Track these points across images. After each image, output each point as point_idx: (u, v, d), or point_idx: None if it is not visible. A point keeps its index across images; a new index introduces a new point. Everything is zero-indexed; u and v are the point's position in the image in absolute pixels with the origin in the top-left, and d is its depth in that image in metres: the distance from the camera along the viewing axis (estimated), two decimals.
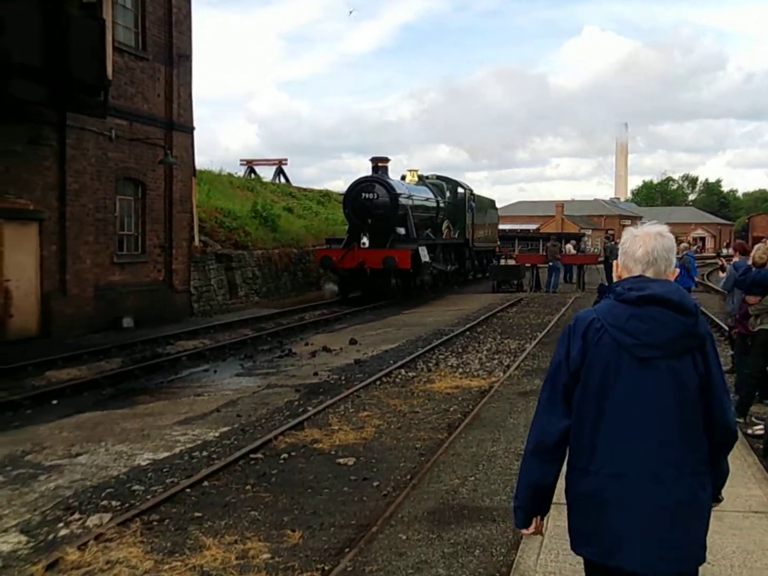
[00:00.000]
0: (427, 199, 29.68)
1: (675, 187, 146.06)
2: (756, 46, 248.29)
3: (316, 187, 46.29)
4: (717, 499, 3.03)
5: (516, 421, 9.26)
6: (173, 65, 21.31)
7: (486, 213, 37.70)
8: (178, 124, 21.56)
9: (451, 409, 10.05)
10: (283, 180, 47.73)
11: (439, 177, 33.27)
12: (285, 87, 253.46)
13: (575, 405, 2.86)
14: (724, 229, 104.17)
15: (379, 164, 26.65)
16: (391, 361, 13.82)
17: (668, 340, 2.77)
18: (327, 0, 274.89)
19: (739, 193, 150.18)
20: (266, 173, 48.31)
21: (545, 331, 17.84)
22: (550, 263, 29.89)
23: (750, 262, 9.18)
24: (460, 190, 33.28)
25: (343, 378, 12.42)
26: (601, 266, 32.61)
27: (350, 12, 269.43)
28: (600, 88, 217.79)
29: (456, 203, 32.71)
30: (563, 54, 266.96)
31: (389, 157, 27.52)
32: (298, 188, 44.26)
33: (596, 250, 65.75)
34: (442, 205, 31.07)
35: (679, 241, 31.21)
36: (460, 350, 15.34)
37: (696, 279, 21.58)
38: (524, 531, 3.08)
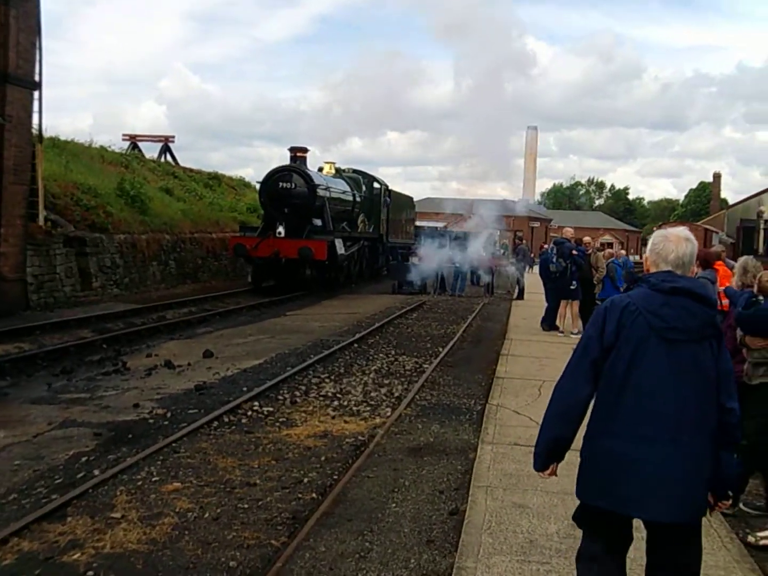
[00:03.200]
0: (344, 192, 29.08)
1: (583, 192, 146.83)
2: (674, 56, 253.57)
3: (207, 169, 42.25)
4: (726, 496, 3.46)
5: (400, 508, 6.04)
6: (9, 4, 17.30)
7: (402, 210, 37.10)
8: (13, 77, 17.50)
9: (306, 479, 6.73)
10: (169, 159, 43.46)
11: (355, 171, 32.77)
12: (195, 69, 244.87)
13: (604, 375, 3.33)
14: (631, 236, 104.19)
15: (298, 154, 25.84)
16: (245, 387, 10.43)
17: (693, 326, 3.29)
18: None
19: (645, 201, 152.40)
20: (153, 151, 44.09)
21: (449, 346, 14.75)
22: (457, 264, 26.95)
23: (756, 290, 6.15)
24: (376, 185, 32.87)
25: (169, 414, 8.96)
26: (512, 269, 29.93)
27: None
28: (516, 90, 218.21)
29: (372, 198, 32.30)
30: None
31: (307, 147, 26.37)
32: (185, 169, 40.18)
33: (504, 252, 63.69)
34: (358, 199, 30.58)
35: (602, 245, 28.62)
36: (341, 371, 12.06)
37: (622, 290, 18.87)
38: (542, 474, 3.57)
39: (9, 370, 11.30)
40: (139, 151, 42.61)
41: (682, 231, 3.49)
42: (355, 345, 14.59)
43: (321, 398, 10.05)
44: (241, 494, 6.26)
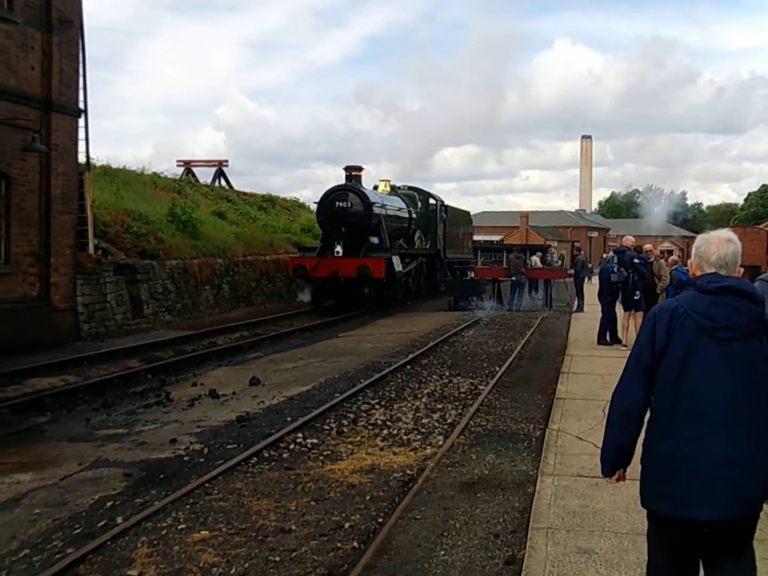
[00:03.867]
0: (399, 209, 29.14)
1: (640, 199, 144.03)
2: (728, 59, 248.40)
3: (260, 192, 42.15)
4: None
5: (450, 556, 5.38)
6: (52, 32, 17.24)
7: (460, 225, 36.85)
8: (58, 105, 17.42)
9: (348, 523, 6.10)
10: (224, 183, 43.53)
11: (410, 188, 32.77)
12: (251, 95, 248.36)
13: (658, 379, 3.35)
14: (691, 242, 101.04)
15: (353, 173, 25.98)
16: (290, 417, 9.88)
17: (741, 323, 3.28)
18: (292, 8, 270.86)
19: (704, 207, 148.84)
20: (208, 177, 44.26)
21: (506, 364, 14.03)
22: (514, 278, 26.14)
23: None
24: (432, 201, 32.82)
25: (206, 450, 8.44)
26: (571, 281, 28.98)
27: None
28: (571, 101, 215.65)
29: (428, 214, 32.21)
30: (534, 67, 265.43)
31: (362, 166, 26.56)
32: (239, 192, 40.14)
33: (561, 263, 62.53)
34: (414, 215, 30.58)
35: (662, 253, 27.53)
36: (392, 395, 11.44)
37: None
38: (609, 480, 3.59)
39: (50, 405, 10.94)
40: (194, 176, 42.80)
41: (724, 233, 3.52)
42: (408, 367, 13.96)
43: (370, 427, 9.44)
44: (273, 543, 5.67)
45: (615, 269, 15.36)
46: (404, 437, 8.93)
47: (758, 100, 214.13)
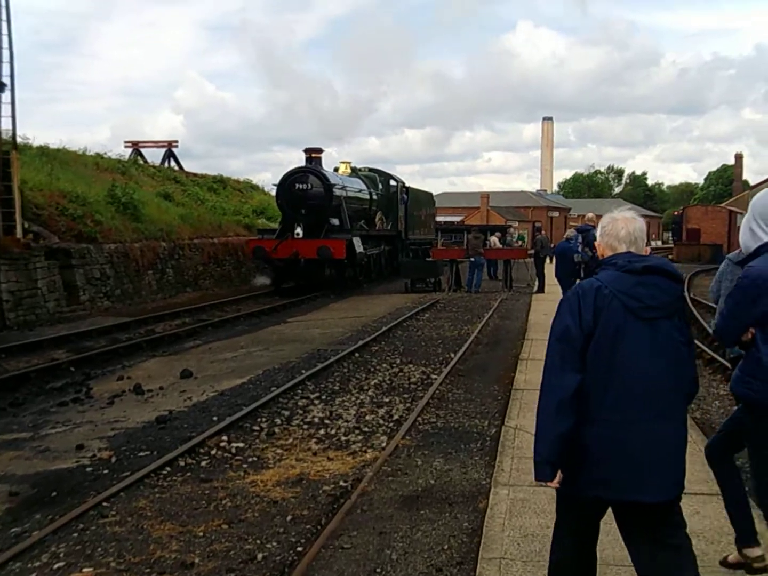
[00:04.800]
0: (360, 191, 29.26)
1: (602, 179, 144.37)
2: (691, 41, 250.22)
3: (212, 173, 40.61)
4: None
5: None
6: None
7: (422, 206, 36.87)
8: None
9: (262, 554, 5.05)
10: (174, 165, 42.00)
11: (371, 169, 32.95)
12: (210, 77, 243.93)
13: (587, 362, 3.24)
14: (652, 221, 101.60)
15: (313, 155, 25.98)
16: (216, 417, 8.80)
17: (666, 302, 3.31)
18: None
19: (664, 186, 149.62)
20: (157, 157, 42.65)
21: (463, 349, 13.07)
22: (472, 259, 25.19)
23: None
24: (393, 182, 32.97)
25: (114, 459, 7.33)
26: (531, 261, 28.15)
27: None
28: (535, 83, 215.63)
29: (389, 195, 32.38)
30: (498, 49, 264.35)
31: (322, 148, 26.53)
32: (189, 173, 38.69)
33: (523, 243, 61.85)
34: (375, 197, 30.75)
35: None
36: (336, 388, 10.42)
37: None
38: (550, 484, 3.31)
39: None
40: (143, 157, 41.24)
41: (629, 212, 3.51)
42: (356, 355, 12.93)
43: (305, 426, 8.40)
44: None
45: (579, 249, 14.47)
46: (343, 438, 7.91)
47: (720, 81, 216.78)
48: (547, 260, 24.48)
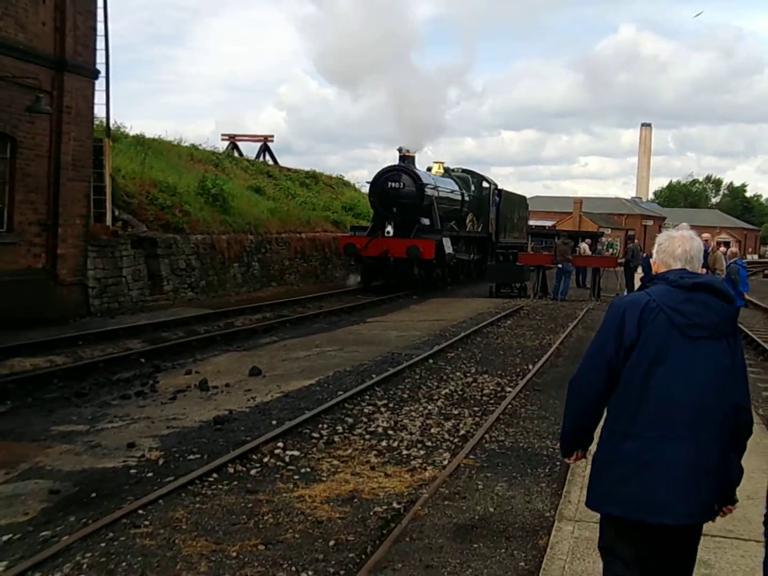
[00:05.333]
0: (452, 192, 29.01)
1: (699, 189, 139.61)
2: None
3: (306, 168, 40.75)
4: (732, 501, 3.28)
5: None
6: None
7: (514, 209, 36.32)
8: (72, 65, 16.23)
9: None
10: (269, 159, 42.28)
11: (464, 170, 32.54)
12: (314, 74, 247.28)
13: (625, 374, 3.15)
14: (749, 234, 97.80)
15: (407, 154, 25.85)
16: (276, 420, 8.48)
17: (713, 322, 3.16)
18: None
19: (763, 199, 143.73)
20: (254, 151, 43.03)
21: (541, 362, 12.47)
22: (560, 265, 24.35)
23: None
24: (485, 184, 32.50)
25: (161, 461, 7.06)
26: (621, 270, 27.10)
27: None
28: (635, 88, 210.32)
29: (480, 197, 31.93)
30: (599, 52, 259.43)
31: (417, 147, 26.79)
32: (282, 168, 38.87)
33: (614, 251, 60.14)
34: (466, 198, 30.44)
35: (718, 244, 25.50)
36: (405, 396, 9.98)
37: (746, 295, 16.02)
38: (567, 460, 3.56)
39: (13, 393, 9.70)
40: (238, 151, 41.67)
41: (686, 230, 3.48)
42: (430, 361, 12.46)
43: (367, 436, 7.99)
44: None
45: None
46: (404, 452, 7.47)
47: None
48: (638, 270, 23.50)
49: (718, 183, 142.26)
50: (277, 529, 5.46)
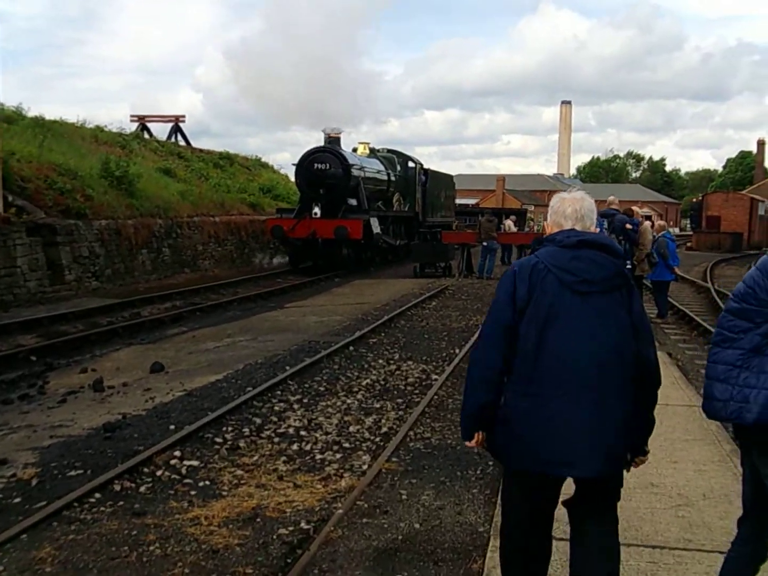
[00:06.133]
0: (378, 172, 29.04)
1: (620, 164, 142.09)
2: (715, 26, 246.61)
3: (218, 150, 39.25)
4: (643, 451, 3.38)
5: None
6: None
7: (441, 188, 36.34)
8: None
9: None
10: (181, 140, 40.70)
11: (390, 150, 32.65)
12: (230, 54, 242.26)
13: (520, 337, 3.21)
14: (670, 208, 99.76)
15: (331, 135, 25.87)
16: (173, 426, 7.53)
17: (603, 277, 3.22)
18: None
19: (683, 173, 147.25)
20: (166, 133, 41.31)
21: (468, 345, 11.75)
22: (485, 243, 23.80)
23: None
24: (411, 164, 32.53)
25: (35, 480, 6.02)
26: None
27: None
28: (556, 66, 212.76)
29: (407, 177, 32.02)
30: (518, 31, 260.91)
31: (341, 128, 26.45)
32: (194, 149, 37.39)
33: (538, 227, 60.21)
34: (393, 178, 30.49)
35: (645, 218, 25.34)
36: (321, 389, 9.13)
37: (677, 270, 15.63)
38: (468, 443, 3.45)
39: None
40: (149, 132, 40.00)
41: (578, 193, 3.50)
42: (351, 348, 11.63)
43: (276, 439, 7.12)
44: None
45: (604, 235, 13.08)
46: (318, 457, 6.62)
47: (744, 67, 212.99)
48: None
49: (638, 158, 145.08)
50: (164, 563, 4.56)
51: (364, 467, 6.32)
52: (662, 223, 16.63)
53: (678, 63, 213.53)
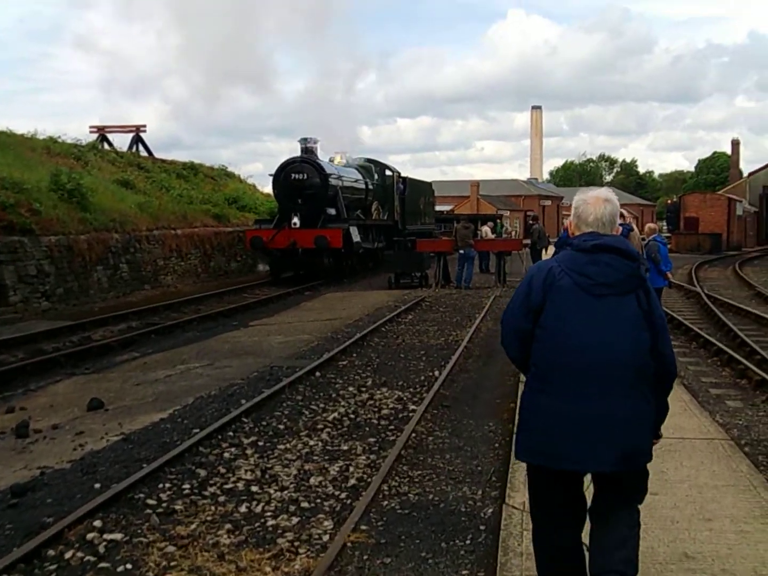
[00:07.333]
0: (356, 181, 29.07)
1: (593, 168, 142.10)
2: (685, 28, 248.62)
3: (189, 161, 37.83)
4: (657, 435, 3.48)
5: None
6: None
7: (420, 195, 36.16)
8: None
9: None
10: (142, 150, 39.24)
11: (367, 159, 32.65)
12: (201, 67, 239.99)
13: (537, 335, 3.35)
14: (645, 210, 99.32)
15: (308, 145, 25.84)
16: (98, 484, 6.24)
17: (617, 280, 3.29)
18: None
19: (656, 174, 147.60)
20: (125, 143, 39.84)
21: (449, 365, 10.58)
22: (462, 251, 22.64)
23: None
24: (388, 172, 32.60)
25: None
26: (526, 253, 25.66)
27: None
28: (527, 72, 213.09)
29: (384, 185, 31.99)
30: (489, 38, 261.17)
31: (318, 138, 26.46)
32: (156, 159, 35.98)
33: (515, 233, 59.38)
34: (371, 187, 30.53)
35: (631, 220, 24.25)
36: (281, 427, 7.88)
37: (670, 275, 14.52)
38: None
39: None
40: (109, 143, 38.54)
41: (603, 192, 3.53)
42: (317, 374, 10.38)
43: (222, 498, 5.87)
44: None
45: None
46: (270, 523, 5.38)
47: (713, 68, 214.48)
48: (544, 252, 22.04)
49: (611, 161, 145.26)
50: None
51: (326, 537, 5.09)
52: (653, 225, 15.53)
53: (648, 66, 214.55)
